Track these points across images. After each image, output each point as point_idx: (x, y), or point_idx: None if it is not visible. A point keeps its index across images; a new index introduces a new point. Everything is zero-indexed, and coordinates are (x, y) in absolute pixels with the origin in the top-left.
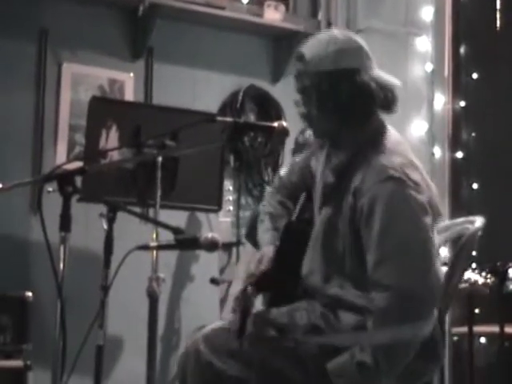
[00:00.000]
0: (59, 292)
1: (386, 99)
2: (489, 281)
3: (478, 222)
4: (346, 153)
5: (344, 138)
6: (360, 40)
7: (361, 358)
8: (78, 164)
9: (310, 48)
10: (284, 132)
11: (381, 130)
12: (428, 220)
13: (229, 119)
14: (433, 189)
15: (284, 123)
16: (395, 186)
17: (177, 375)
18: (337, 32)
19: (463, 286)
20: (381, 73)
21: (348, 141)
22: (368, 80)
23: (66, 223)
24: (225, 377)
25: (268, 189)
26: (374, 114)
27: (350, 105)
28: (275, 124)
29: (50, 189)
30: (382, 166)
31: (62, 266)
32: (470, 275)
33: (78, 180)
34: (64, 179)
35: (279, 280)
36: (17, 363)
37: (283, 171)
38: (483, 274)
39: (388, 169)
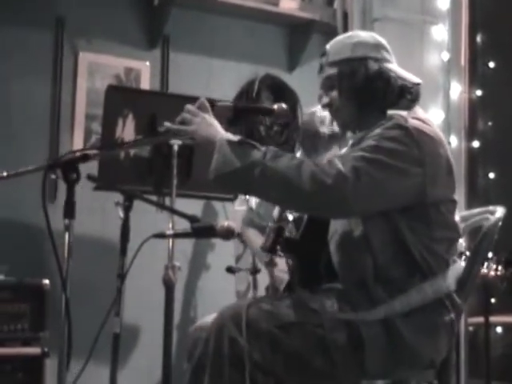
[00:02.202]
0: (62, 279)
1: (404, 88)
2: (499, 273)
3: (499, 212)
4: (368, 128)
5: (370, 125)
6: (382, 39)
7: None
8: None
9: (332, 43)
10: (284, 114)
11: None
12: (412, 168)
13: (228, 104)
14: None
15: (284, 105)
16: (401, 131)
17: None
18: (360, 31)
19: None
20: (401, 69)
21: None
22: (385, 68)
23: (69, 210)
24: (247, 358)
25: None
26: (398, 104)
27: (368, 89)
28: (275, 106)
29: (54, 176)
30: (395, 114)
31: (66, 253)
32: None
33: (89, 168)
34: (68, 166)
35: (308, 247)
36: (34, 350)
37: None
38: (499, 267)
39: (399, 118)
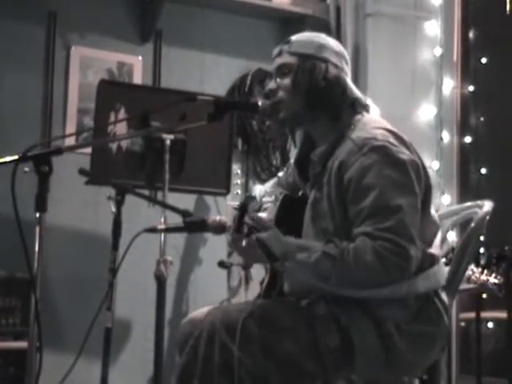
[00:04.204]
0: (31, 273)
1: (355, 101)
2: (498, 281)
3: (487, 206)
4: (327, 141)
5: (324, 130)
6: (345, 51)
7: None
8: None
9: (298, 36)
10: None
11: (357, 117)
12: (411, 181)
13: (209, 98)
14: (417, 153)
15: (268, 101)
16: (379, 154)
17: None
18: (328, 37)
19: (472, 286)
20: (354, 87)
21: (329, 131)
22: (343, 78)
23: (41, 204)
24: (238, 364)
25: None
26: (351, 110)
27: (323, 91)
28: (259, 102)
29: (27, 169)
30: (364, 139)
31: (37, 247)
32: (480, 275)
33: (82, 163)
34: (40, 159)
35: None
36: (25, 344)
37: (281, 173)
38: (493, 274)
39: (369, 140)
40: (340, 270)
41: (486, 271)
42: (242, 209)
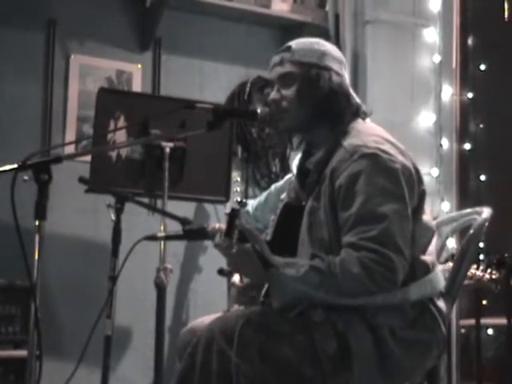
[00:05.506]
0: (30, 281)
1: (359, 107)
2: (494, 276)
3: (486, 212)
4: (324, 148)
5: (322, 137)
6: (342, 55)
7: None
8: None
9: (297, 43)
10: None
11: (352, 125)
12: (401, 189)
13: (208, 106)
14: (411, 159)
15: (268, 109)
16: (370, 161)
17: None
18: (325, 42)
19: (469, 282)
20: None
21: (326, 139)
22: (346, 85)
23: (41, 212)
24: (236, 370)
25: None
26: (351, 117)
27: (329, 101)
28: (258, 110)
29: (26, 177)
30: (355, 146)
31: (36, 255)
32: (475, 271)
33: (82, 171)
34: (39, 167)
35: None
36: (25, 353)
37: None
38: (488, 270)
39: (360, 147)
40: (328, 282)
41: (482, 267)
42: (233, 213)
